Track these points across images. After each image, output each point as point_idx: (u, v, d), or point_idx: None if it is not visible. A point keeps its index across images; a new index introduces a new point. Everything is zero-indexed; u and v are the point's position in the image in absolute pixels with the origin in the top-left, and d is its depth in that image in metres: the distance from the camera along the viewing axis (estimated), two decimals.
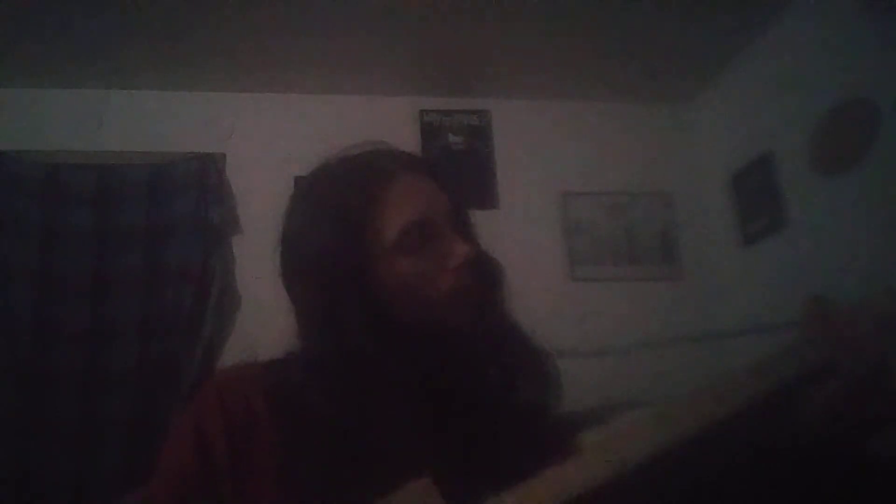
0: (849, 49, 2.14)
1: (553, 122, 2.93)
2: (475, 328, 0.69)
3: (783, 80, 2.45)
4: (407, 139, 2.77)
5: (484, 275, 0.72)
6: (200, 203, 2.53)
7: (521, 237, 2.63)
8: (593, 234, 2.80)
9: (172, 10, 2.26)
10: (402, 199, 0.70)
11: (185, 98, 2.74)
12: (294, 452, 0.63)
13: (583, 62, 2.70)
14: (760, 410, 0.53)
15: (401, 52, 2.60)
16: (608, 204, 2.84)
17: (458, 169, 2.77)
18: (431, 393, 0.69)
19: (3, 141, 2.51)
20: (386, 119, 2.77)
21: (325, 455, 0.64)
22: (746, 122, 2.67)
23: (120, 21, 2.30)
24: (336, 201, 0.72)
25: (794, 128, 2.35)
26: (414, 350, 0.68)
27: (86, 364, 2.33)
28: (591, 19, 2.42)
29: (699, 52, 2.64)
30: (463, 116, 2.89)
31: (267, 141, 2.75)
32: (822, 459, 0.53)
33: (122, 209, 2.51)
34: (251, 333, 2.37)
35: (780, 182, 2.44)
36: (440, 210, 0.72)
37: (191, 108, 2.73)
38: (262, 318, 2.36)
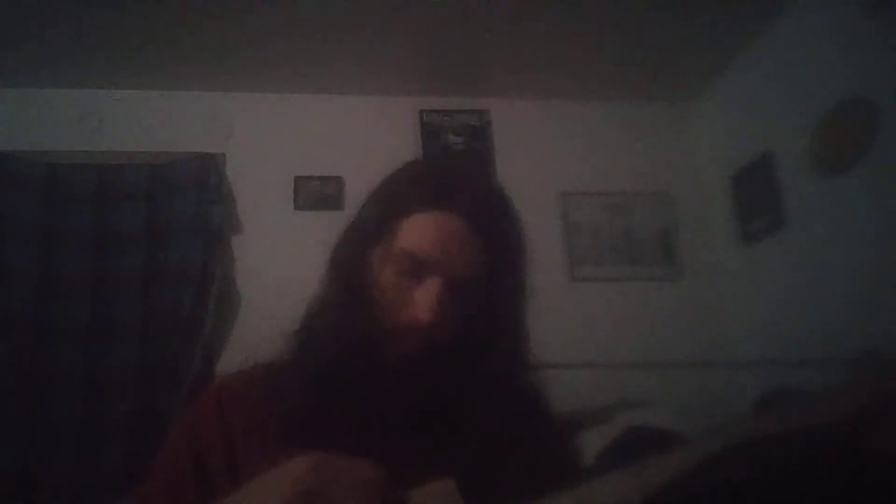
0: (849, 49, 2.14)
1: (553, 122, 2.93)
2: (402, 373, 0.69)
3: (783, 80, 2.45)
4: (407, 139, 2.78)
5: (437, 342, 0.70)
6: (200, 203, 2.53)
7: None
8: (593, 234, 2.80)
9: (172, 10, 2.27)
10: (423, 228, 0.70)
11: (185, 98, 2.74)
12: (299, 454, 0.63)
13: (583, 62, 2.70)
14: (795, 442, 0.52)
15: (401, 52, 2.60)
16: (608, 204, 2.84)
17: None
18: (433, 399, 0.69)
19: (3, 141, 2.51)
20: (386, 119, 2.77)
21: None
22: (746, 122, 2.67)
23: (120, 21, 2.30)
24: (383, 201, 0.75)
25: (794, 128, 2.35)
26: (380, 357, 0.70)
27: (86, 364, 2.33)
28: (591, 19, 2.42)
29: (699, 52, 2.64)
30: (463, 116, 2.89)
31: (267, 141, 2.75)
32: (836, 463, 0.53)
33: (122, 209, 2.52)
34: (251, 333, 2.37)
35: (780, 182, 2.44)
36: (448, 261, 0.69)
37: (191, 108, 2.73)
38: (262, 319, 2.37)
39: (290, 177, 2.70)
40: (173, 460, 0.69)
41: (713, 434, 0.52)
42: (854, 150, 2.10)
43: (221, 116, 2.74)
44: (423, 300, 0.68)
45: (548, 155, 2.88)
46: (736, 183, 2.70)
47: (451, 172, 0.76)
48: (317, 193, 2.66)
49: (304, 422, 0.68)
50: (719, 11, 2.39)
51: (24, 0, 2.17)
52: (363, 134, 2.77)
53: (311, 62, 2.63)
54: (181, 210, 2.53)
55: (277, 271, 2.46)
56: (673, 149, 2.96)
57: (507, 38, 2.53)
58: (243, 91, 2.77)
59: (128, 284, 2.44)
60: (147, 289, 2.44)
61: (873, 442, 0.53)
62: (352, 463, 0.52)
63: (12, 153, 2.49)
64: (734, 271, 2.73)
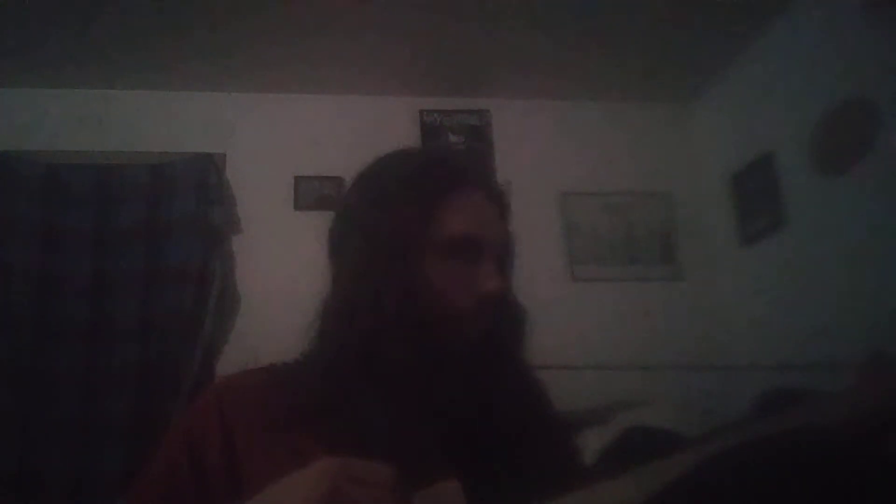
0: (849, 49, 2.14)
1: (553, 122, 2.93)
2: (474, 356, 0.70)
3: (783, 80, 2.45)
4: (407, 139, 2.78)
5: (504, 315, 0.73)
6: (200, 203, 2.53)
7: (521, 237, 2.62)
8: (593, 234, 2.80)
9: (172, 10, 2.26)
10: (464, 211, 0.72)
11: (185, 98, 2.74)
12: (307, 457, 0.63)
13: (583, 62, 2.70)
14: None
15: (401, 52, 2.59)
16: (608, 204, 2.84)
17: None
18: (449, 399, 0.69)
19: (3, 141, 2.51)
20: (386, 119, 2.77)
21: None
22: (746, 122, 2.67)
23: (120, 21, 2.30)
24: (411, 185, 0.74)
25: (794, 128, 2.35)
26: (425, 354, 0.69)
27: (86, 364, 2.33)
28: (592, 19, 2.42)
29: (699, 52, 2.64)
30: (463, 116, 2.89)
31: (267, 141, 2.75)
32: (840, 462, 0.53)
33: (122, 209, 2.52)
34: (251, 333, 2.37)
35: (780, 182, 2.44)
36: (493, 237, 0.74)
37: (191, 108, 2.73)
38: (262, 319, 2.37)
39: (290, 177, 2.70)
40: (171, 459, 0.69)
41: (714, 435, 0.52)
42: (854, 150, 2.10)
43: (221, 116, 2.74)
44: (488, 274, 0.70)
45: (548, 155, 2.88)
46: (736, 183, 2.70)
47: (453, 155, 0.78)
48: (317, 193, 2.66)
49: (317, 420, 0.67)
50: (719, 12, 2.39)
51: (25, 1, 2.17)
52: (363, 134, 2.75)
53: (311, 62, 2.63)
54: (181, 210, 2.53)
55: (277, 271, 2.47)
56: (673, 149, 2.96)
57: (507, 38, 2.53)
58: (243, 91, 2.77)
59: (128, 284, 2.44)
60: (147, 288, 2.44)
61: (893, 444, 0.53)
62: (372, 466, 0.53)
63: (12, 153, 2.49)
64: (734, 271, 2.73)
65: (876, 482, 0.46)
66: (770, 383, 2.18)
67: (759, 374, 2.37)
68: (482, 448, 0.67)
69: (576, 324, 2.57)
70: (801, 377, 1.97)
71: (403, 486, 0.53)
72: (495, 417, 0.70)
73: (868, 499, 0.45)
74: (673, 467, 0.49)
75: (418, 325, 0.69)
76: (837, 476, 0.45)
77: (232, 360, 2.34)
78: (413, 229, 0.71)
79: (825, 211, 2.23)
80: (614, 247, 2.80)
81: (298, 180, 2.69)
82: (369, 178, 0.80)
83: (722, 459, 0.48)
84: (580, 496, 0.50)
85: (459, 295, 0.70)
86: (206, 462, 0.68)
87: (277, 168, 2.70)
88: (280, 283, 2.36)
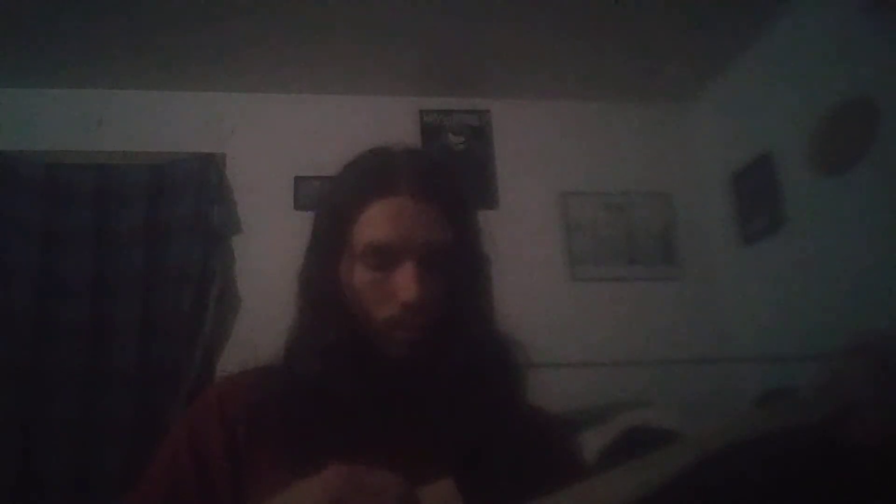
0: (849, 49, 2.14)
1: (553, 122, 2.93)
2: (406, 362, 0.69)
3: (783, 80, 2.45)
4: (407, 139, 2.77)
5: (434, 320, 0.70)
6: (200, 203, 2.53)
7: (521, 237, 2.63)
8: (593, 234, 2.80)
9: (172, 10, 2.27)
10: (378, 219, 0.70)
11: (185, 98, 2.74)
12: (304, 460, 0.63)
13: (583, 62, 2.70)
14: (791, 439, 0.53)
15: (401, 52, 2.59)
16: (608, 204, 2.84)
17: (458, 169, 2.76)
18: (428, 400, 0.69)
19: (3, 141, 2.51)
20: (386, 119, 2.77)
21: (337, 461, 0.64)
22: (746, 122, 2.67)
23: (120, 21, 2.30)
24: (339, 197, 0.76)
25: (794, 128, 2.35)
26: (359, 368, 0.69)
27: (86, 364, 2.33)
28: (592, 19, 2.42)
29: (699, 52, 2.64)
30: (463, 116, 2.89)
31: (267, 141, 2.75)
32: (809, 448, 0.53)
33: (122, 209, 2.52)
34: (251, 334, 2.37)
35: (780, 182, 2.44)
36: (413, 243, 0.69)
37: (191, 108, 2.73)
38: (262, 319, 2.37)
39: (290, 177, 2.70)
40: (174, 459, 0.69)
41: (712, 433, 0.52)
42: (854, 150, 2.10)
43: (221, 116, 2.74)
44: (404, 283, 0.68)
45: (548, 155, 2.88)
46: (736, 183, 2.70)
47: (391, 158, 0.78)
48: (317, 193, 2.66)
49: (302, 427, 0.67)
50: (719, 12, 2.39)
51: (25, 0, 2.17)
52: (363, 134, 2.74)
53: (311, 62, 2.63)
54: (181, 210, 2.53)
55: (277, 271, 2.45)
56: (673, 149, 2.96)
57: (507, 38, 2.53)
58: (243, 91, 2.77)
59: (128, 284, 2.44)
60: (147, 289, 2.44)
61: (856, 433, 0.53)
62: (379, 475, 0.53)
63: (12, 153, 2.49)
64: (734, 271, 2.73)
65: (851, 475, 0.46)
66: (770, 381, 2.18)
67: (759, 371, 2.37)
68: (474, 445, 0.67)
69: (576, 324, 2.57)
70: (800, 375, 1.97)
71: (414, 494, 0.53)
72: (480, 411, 0.69)
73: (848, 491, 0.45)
74: (669, 464, 0.49)
75: (345, 337, 0.70)
76: (821, 472, 0.45)
77: (232, 360, 2.33)
78: (335, 240, 0.73)
79: (825, 211, 2.23)
80: (614, 247, 2.80)
81: (298, 180, 2.69)
82: (327, 189, 0.82)
83: (717, 459, 0.48)
84: (576, 491, 0.50)
85: (379, 305, 0.69)
86: (209, 461, 0.68)
87: (277, 168, 2.70)
88: (280, 283, 2.34)
